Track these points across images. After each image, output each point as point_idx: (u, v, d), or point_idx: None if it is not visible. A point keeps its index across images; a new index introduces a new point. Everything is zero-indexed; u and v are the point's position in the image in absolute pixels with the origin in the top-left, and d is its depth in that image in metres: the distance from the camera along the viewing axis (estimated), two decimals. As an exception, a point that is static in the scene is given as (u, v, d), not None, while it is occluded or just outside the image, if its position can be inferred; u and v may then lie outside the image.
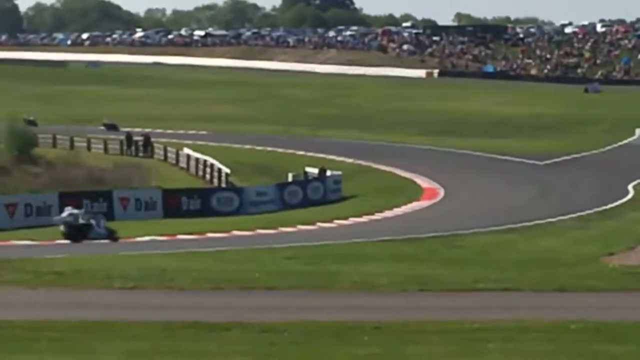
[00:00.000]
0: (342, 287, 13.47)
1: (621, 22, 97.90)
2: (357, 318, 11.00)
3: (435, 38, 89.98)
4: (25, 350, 9.42)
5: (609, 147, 42.12)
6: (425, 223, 24.43)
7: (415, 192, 31.04)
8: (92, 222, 21.43)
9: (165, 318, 10.89)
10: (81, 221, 21.22)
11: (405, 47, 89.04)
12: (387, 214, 27.31)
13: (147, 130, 44.14)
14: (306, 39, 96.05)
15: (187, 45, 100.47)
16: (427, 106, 59.16)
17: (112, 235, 21.57)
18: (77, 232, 21.03)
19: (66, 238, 21.24)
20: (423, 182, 33.02)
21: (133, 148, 40.06)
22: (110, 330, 10.29)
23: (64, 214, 21.60)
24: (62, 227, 21.45)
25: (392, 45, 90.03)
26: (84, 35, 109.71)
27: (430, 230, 22.16)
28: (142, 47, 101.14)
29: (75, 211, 21.60)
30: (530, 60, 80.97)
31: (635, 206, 26.65)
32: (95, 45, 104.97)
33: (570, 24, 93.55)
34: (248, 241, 21.45)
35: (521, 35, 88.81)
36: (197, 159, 35.77)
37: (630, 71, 75.66)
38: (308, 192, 31.11)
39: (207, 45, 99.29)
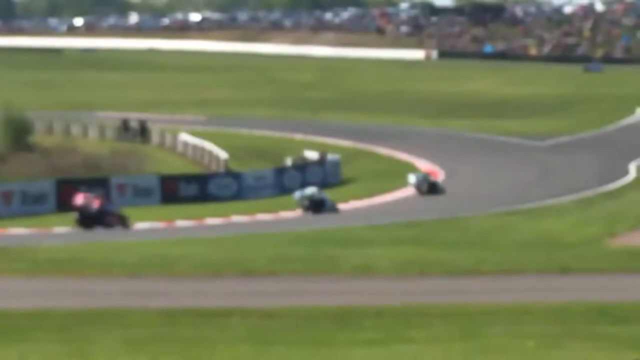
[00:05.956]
0: (342, 271, 13.33)
1: (621, 0, 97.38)
2: (358, 302, 10.87)
3: (433, 19, 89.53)
4: (24, 340, 9.28)
5: (610, 127, 41.92)
6: (425, 206, 24.27)
7: (415, 175, 30.83)
8: (324, 197, 24.26)
9: (165, 305, 10.77)
10: (317, 197, 24.07)
11: (403, 28, 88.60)
12: (387, 197, 27.16)
13: (144, 115, 43.89)
14: (303, 22, 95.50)
15: (182, 30, 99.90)
16: (427, 87, 58.86)
17: (334, 208, 24.30)
18: (315, 207, 23.73)
19: (306, 211, 23.81)
20: (423, 164, 32.85)
21: (130, 134, 39.84)
22: (109, 318, 10.15)
23: (298, 194, 24.31)
24: (304, 202, 23.96)
25: (389, 26, 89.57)
26: (79, 21, 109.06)
27: (431, 213, 22.00)
28: (137, 31, 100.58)
29: (309, 191, 24.35)
30: (529, 40, 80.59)
31: (637, 186, 26.46)
32: (90, 30, 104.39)
33: (569, 2, 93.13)
34: (247, 226, 21.30)
35: (520, 15, 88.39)
36: (194, 144, 35.56)
37: (630, 50, 75.34)
38: (307, 176, 30.95)
39: (203, 29, 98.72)
